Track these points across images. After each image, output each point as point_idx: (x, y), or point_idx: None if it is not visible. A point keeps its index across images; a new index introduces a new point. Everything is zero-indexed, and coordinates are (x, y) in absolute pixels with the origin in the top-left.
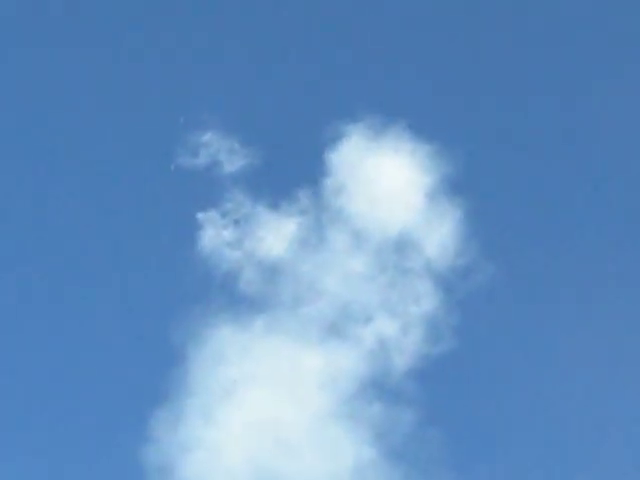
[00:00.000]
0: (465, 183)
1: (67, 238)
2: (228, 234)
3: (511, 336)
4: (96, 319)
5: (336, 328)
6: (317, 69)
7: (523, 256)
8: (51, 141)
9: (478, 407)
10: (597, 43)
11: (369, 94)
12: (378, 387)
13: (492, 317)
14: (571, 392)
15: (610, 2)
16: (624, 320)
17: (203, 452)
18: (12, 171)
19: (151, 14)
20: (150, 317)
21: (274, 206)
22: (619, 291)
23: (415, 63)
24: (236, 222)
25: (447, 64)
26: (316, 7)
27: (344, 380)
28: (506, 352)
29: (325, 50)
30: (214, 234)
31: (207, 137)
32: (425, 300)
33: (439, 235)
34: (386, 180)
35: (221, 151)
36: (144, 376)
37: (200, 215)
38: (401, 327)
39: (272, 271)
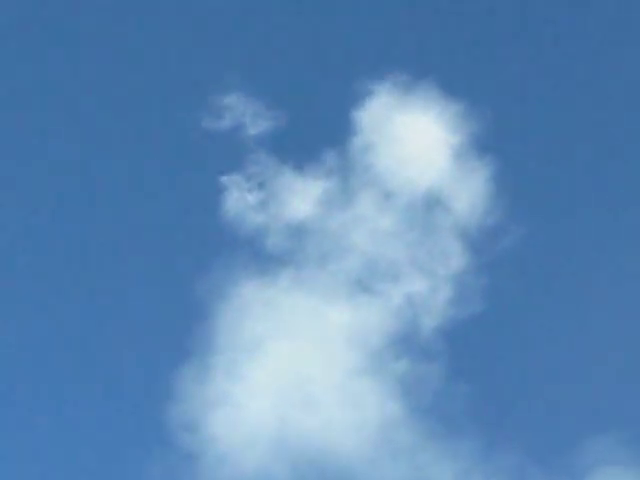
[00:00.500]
0: (494, 142)
1: (95, 201)
2: (252, 198)
3: (539, 299)
4: (123, 278)
5: (363, 284)
6: (343, 26)
7: (552, 216)
8: (76, 108)
9: (504, 365)
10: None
11: (396, 51)
12: (405, 343)
13: (520, 280)
14: (596, 351)
15: None
16: None
17: (229, 408)
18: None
19: None
20: (174, 275)
21: (299, 168)
22: None
23: (444, 20)
24: (260, 185)
25: (477, 22)
26: None
27: (371, 336)
28: (533, 315)
29: (351, 6)
30: (238, 197)
31: (231, 99)
32: (453, 260)
33: (468, 194)
34: (414, 138)
35: (246, 114)
36: (169, 333)
37: (224, 178)
38: (429, 286)
39: (298, 230)
